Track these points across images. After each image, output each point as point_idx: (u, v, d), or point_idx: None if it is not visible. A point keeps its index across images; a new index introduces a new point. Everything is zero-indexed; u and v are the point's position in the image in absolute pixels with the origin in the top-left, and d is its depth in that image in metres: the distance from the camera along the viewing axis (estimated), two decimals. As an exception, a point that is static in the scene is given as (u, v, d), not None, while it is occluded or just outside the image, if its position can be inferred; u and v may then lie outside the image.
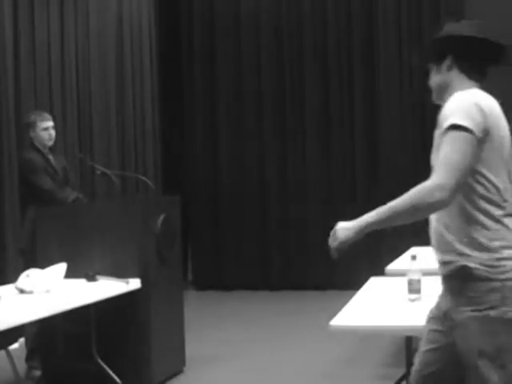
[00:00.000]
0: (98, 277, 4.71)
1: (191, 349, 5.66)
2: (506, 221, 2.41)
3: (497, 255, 2.37)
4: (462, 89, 2.52)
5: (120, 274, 4.77)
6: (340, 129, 9.53)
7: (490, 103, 2.47)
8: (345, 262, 9.30)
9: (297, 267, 9.47)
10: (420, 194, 2.40)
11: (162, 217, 5.15)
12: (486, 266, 2.37)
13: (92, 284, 4.66)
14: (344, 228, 2.61)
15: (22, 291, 4.25)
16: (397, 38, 9.35)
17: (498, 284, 2.36)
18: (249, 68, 9.77)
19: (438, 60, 2.60)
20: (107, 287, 4.58)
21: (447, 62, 2.59)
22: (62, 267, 4.47)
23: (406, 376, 4.45)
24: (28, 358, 5.38)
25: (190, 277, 9.85)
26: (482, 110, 2.40)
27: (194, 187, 9.87)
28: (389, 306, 3.50)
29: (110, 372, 4.84)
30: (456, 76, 2.59)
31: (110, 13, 8.69)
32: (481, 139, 2.37)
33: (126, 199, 7.00)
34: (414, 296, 3.44)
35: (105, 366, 4.85)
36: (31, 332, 5.18)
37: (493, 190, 2.41)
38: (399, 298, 3.53)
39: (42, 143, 5.50)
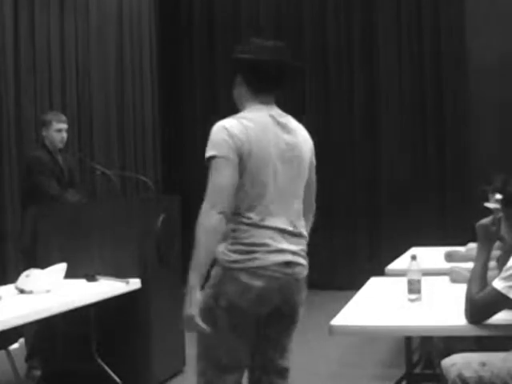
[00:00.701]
0: (98, 277, 4.71)
1: (191, 349, 5.64)
2: (246, 227, 2.78)
3: (229, 247, 2.77)
4: (248, 102, 2.87)
5: (120, 274, 4.76)
6: (340, 129, 9.53)
7: (250, 125, 2.76)
8: (345, 262, 9.34)
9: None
10: (199, 226, 2.76)
11: (161, 217, 5.15)
12: (221, 253, 2.78)
13: (92, 284, 4.66)
14: (185, 314, 2.74)
15: (22, 291, 4.24)
16: (397, 38, 9.36)
17: (220, 270, 2.78)
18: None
19: (234, 75, 2.92)
20: (107, 287, 4.58)
21: (238, 78, 2.90)
22: (61, 267, 4.47)
23: (406, 376, 4.45)
24: (28, 358, 5.37)
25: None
26: (234, 136, 2.73)
27: (194, 187, 9.85)
28: (389, 305, 3.50)
29: (110, 372, 4.84)
30: (245, 91, 2.89)
31: (109, 13, 8.69)
32: (236, 160, 2.72)
33: (126, 199, 6.99)
34: (413, 296, 3.44)
35: (105, 366, 4.85)
36: (31, 332, 5.18)
37: (243, 203, 2.78)
38: (399, 298, 3.52)
39: (53, 144, 5.52)
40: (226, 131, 2.73)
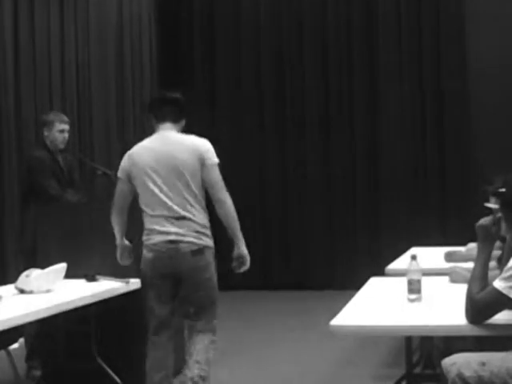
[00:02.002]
0: (97, 277, 4.71)
1: (191, 349, 5.64)
2: (147, 218, 4.11)
3: (145, 232, 4.12)
4: (156, 131, 4.17)
5: (120, 274, 4.77)
6: (340, 129, 9.54)
7: (135, 151, 4.14)
8: (345, 262, 9.34)
9: (297, 267, 9.46)
10: None
11: (162, 217, 5.14)
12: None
13: (92, 284, 4.66)
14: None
15: (22, 291, 4.24)
16: (397, 38, 9.36)
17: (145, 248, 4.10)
18: (249, 68, 9.77)
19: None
20: (107, 287, 4.58)
21: (150, 115, 4.21)
22: (61, 267, 4.47)
23: (406, 376, 4.46)
24: (28, 358, 5.37)
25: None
26: (128, 159, 4.13)
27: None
28: (389, 305, 3.50)
29: (110, 372, 4.84)
30: (154, 123, 4.18)
31: (110, 13, 8.69)
32: (127, 179, 4.13)
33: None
34: (413, 296, 3.44)
35: (105, 366, 4.85)
36: (31, 332, 5.17)
37: (142, 203, 4.12)
38: (399, 298, 3.52)
39: (54, 144, 5.54)
40: (123, 160, 4.16)
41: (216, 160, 4.13)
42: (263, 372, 5.56)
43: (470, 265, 4.52)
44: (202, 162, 4.06)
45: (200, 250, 4.02)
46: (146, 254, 4.08)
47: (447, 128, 9.22)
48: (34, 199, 5.37)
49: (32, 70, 7.33)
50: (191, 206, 3.99)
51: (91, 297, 4.35)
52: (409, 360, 4.46)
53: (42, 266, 4.45)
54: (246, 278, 9.64)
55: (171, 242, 3.98)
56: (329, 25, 9.55)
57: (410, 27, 9.33)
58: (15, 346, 4.94)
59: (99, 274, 4.77)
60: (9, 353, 4.57)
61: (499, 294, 2.86)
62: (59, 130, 5.55)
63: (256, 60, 9.77)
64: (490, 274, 3.17)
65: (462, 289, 3.17)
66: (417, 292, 3.44)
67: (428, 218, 8.98)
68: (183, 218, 3.97)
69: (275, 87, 9.68)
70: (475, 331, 2.96)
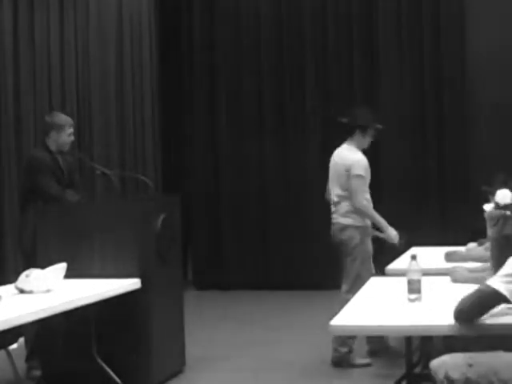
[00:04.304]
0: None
1: (191, 349, 5.66)
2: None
3: None
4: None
5: (120, 274, 4.77)
6: (340, 129, 9.51)
7: (335, 153, 5.94)
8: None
9: (297, 267, 9.45)
10: None
11: (161, 217, 5.15)
12: None
13: (92, 284, 4.66)
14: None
15: (22, 291, 4.24)
16: (397, 38, 9.36)
17: None
18: (249, 67, 9.77)
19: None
20: (107, 287, 4.58)
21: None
22: (61, 267, 4.47)
23: (406, 376, 4.46)
24: (28, 358, 5.38)
25: (189, 277, 9.84)
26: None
27: (194, 187, 9.86)
28: (389, 306, 3.50)
29: (110, 372, 4.84)
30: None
31: (109, 13, 8.69)
32: None
33: (125, 199, 7.00)
34: (413, 296, 3.44)
35: (105, 366, 4.85)
36: (31, 332, 5.18)
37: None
38: (399, 298, 3.52)
39: (61, 147, 5.57)
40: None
41: (356, 172, 5.72)
42: (263, 372, 5.56)
43: (470, 265, 4.53)
44: (348, 173, 5.70)
45: (344, 227, 5.71)
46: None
47: (447, 128, 9.22)
48: (34, 199, 5.37)
49: (32, 70, 7.33)
50: (340, 198, 5.77)
51: (91, 297, 4.35)
52: (409, 360, 4.46)
53: (42, 266, 4.45)
54: (246, 278, 9.70)
55: (332, 223, 5.84)
56: (329, 24, 9.53)
57: (410, 27, 9.32)
58: (15, 346, 4.94)
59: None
60: (9, 353, 4.57)
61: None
62: (69, 134, 5.60)
63: (256, 60, 9.76)
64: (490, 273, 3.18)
65: (462, 289, 3.17)
66: (417, 292, 3.44)
67: (428, 218, 8.97)
68: (337, 204, 5.78)
69: (275, 88, 9.66)
70: (475, 331, 2.96)
